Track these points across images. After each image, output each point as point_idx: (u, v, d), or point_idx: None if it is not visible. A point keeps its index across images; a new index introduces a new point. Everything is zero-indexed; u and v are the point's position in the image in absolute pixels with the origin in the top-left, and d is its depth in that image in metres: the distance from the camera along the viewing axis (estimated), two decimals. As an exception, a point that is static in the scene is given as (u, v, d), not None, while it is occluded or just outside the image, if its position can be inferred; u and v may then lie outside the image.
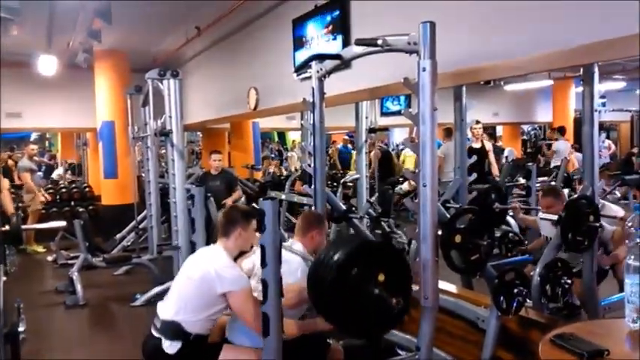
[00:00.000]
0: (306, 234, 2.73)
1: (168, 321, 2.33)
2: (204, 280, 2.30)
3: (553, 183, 5.75)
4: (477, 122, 6.47)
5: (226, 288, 2.26)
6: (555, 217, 2.86)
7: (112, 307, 5.02)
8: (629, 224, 1.44)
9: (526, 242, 4.62)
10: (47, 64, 6.79)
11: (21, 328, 3.62)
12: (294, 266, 2.53)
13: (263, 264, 1.98)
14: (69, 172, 12.70)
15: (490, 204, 4.50)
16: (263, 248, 1.98)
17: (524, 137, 13.22)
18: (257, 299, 2.20)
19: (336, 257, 1.98)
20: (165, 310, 2.38)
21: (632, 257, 1.41)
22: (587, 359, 1.29)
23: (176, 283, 2.47)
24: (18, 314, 3.73)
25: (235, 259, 2.57)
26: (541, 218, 3.55)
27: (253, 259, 2.59)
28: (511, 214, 4.51)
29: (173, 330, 2.30)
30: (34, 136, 17.23)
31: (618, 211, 3.37)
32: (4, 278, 3.93)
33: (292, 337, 2.29)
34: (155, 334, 2.35)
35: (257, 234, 2.47)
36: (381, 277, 2.01)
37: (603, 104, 3.21)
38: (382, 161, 7.40)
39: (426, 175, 2.32)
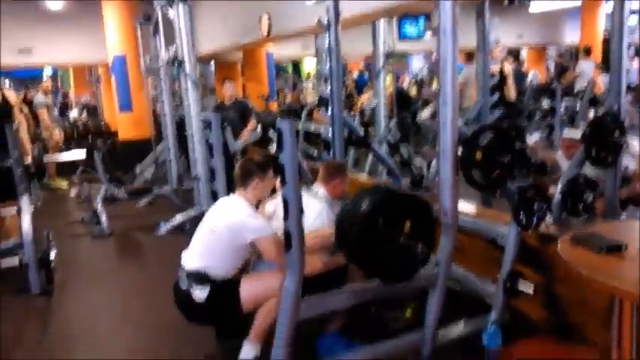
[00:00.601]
0: (329, 182, 2.78)
1: (194, 271, 2.40)
2: (231, 230, 2.37)
3: (578, 104, 5.54)
4: (497, 43, 6.22)
5: (254, 236, 2.34)
6: (579, 134, 2.80)
7: (136, 236, 5.17)
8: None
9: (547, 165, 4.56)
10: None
11: (52, 255, 3.79)
12: (318, 210, 2.62)
13: (283, 182, 1.98)
14: (84, 113, 12.73)
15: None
16: (282, 167, 1.98)
17: (550, 62, 12.68)
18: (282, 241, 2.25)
19: (363, 207, 2.01)
20: (190, 261, 2.45)
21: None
22: (605, 253, 1.32)
23: (199, 234, 2.53)
24: (48, 242, 3.89)
25: (257, 207, 2.64)
26: (564, 139, 3.49)
27: (275, 202, 2.63)
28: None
29: (199, 278, 2.37)
30: (45, 75, 17.20)
31: None
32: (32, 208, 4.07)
33: (313, 273, 2.35)
34: (182, 286, 2.43)
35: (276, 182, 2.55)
36: (407, 227, 2.04)
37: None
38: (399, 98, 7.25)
39: (447, 93, 2.27)
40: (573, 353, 2.46)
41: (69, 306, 3.49)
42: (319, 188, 2.77)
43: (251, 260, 2.61)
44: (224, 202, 2.61)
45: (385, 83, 5.35)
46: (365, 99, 7.29)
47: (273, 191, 2.71)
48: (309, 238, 2.26)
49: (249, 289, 2.36)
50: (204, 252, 2.45)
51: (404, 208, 2.11)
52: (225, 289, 2.39)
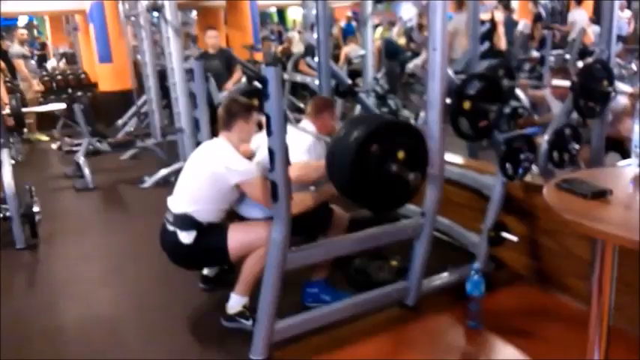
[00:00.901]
0: (317, 117, 2.73)
1: (181, 214, 2.36)
2: (215, 174, 2.33)
3: (568, 56, 5.49)
4: None
5: (238, 178, 2.31)
6: (567, 83, 2.77)
7: (121, 189, 5.12)
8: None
9: (536, 117, 4.55)
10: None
11: (35, 209, 3.75)
12: (307, 144, 2.57)
13: (269, 132, 1.94)
14: (63, 61, 12.32)
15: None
16: (268, 117, 1.93)
17: (541, 10, 12.45)
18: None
19: (355, 135, 1.97)
20: (177, 204, 2.41)
21: (643, 101, 1.37)
22: (590, 198, 1.33)
23: (184, 177, 2.49)
24: (31, 196, 3.83)
25: None
26: (552, 85, 3.46)
27: (257, 139, 2.56)
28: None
29: (186, 221, 2.35)
30: (21, 23, 16.51)
31: (627, 88, 3.31)
32: (12, 161, 3.99)
33: (305, 210, 2.34)
34: (169, 227, 2.40)
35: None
36: (401, 155, 2.01)
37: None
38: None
39: (436, 39, 2.22)
40: (554, 300, 2.54)
41: (54, 259, 3.48)
42: (308, 123, 2.72)
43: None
44: (207, 145, 2.55)
45: (374, 34, 5.22)
46: (348, 51, 7.12)
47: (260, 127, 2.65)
48: (298, 167, 2.26)
49: (236, 237, 2.36)
50: (189, 197, 2.41)
51: (397, 136, 2.06)
52: (211, 233, 2.38)
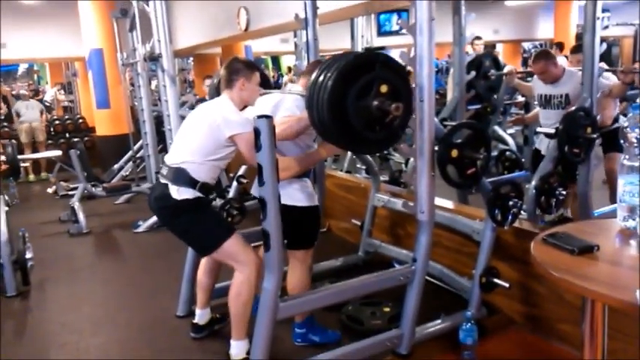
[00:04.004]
0: (306, 76, 2.63)
1: (175, 167, 2.36)
2: (211, 125, 2.34)
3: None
4: (478, 38, 6.28)
5: (234, 131, 2.31)
6: (552, 130, 2.85)
7: (115, 234, 5.11)
8: (625, 124, 1.43)
9: (523, 160, 4.64)
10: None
11: (28, 255, 3.73)
12: (289, 102, 2.49)
13: (260, 182, 1.98)
14: (61, 91, 12.50)
15: (487, 122, 4.48)
16: (260, 167, 1.97)
17: (525, 55, 12.90)
18: None
19: (329, 74, 1.91)
20: (172, 157, 2.42)
21: (627, 157, 1.41)
22: (577, 254, 1.34)
23: (181, 132, 2.51)
24: (24, 242, 3.82)
25: None
26: (536, 132, 3.56)
27: (252, 111, 2.55)
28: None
29: (179, 176, 2.33)
30: (21, 69, 16.80)
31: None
32: (7, 208, 4.00)
33: (294, 175, 2.38)
34: (162, 180, 2.39)
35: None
36: (384, 89, 1.95)
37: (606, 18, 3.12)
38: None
39: (424, 90, 2.28)
40: (547, 347, 2.53)
41: (45, 307, 3.43)
42: (294, 85, 2.68)
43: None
44: (207, 102, 2.58)
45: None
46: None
47: None
48: (279, 123, 2.20)
49: (234, 245, 2.37)
50: (186, 148, 2.41)
51: (375, 69, 1.98)
52: (218, 218, 2.41)
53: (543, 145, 3.51)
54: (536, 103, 3.70)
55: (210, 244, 2.42)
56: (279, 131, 2.11)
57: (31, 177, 7.79)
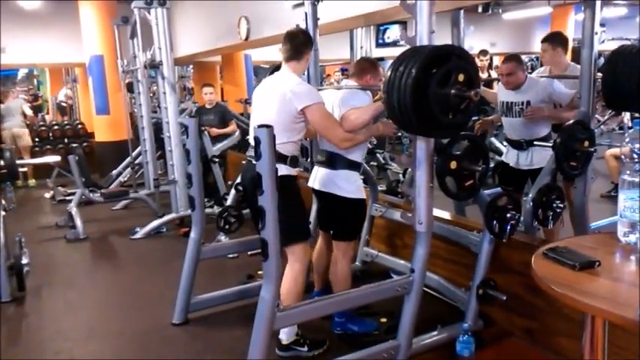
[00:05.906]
0: (361, 77, 2.80)
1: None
2: (282, 101, 2.40)
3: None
4: (484, 53, 6.33)
5: (304, 103, 2.37)
6: (550, 144, 2.86)
7: (112, 240, 5.10)
8: (626, 140, 1.44)
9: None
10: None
11: (24, 261, 3.71)
12: (351, 97, 2.64)
13: (260, 191, 1.98)
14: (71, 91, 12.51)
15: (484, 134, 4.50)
16: (259, 176, 1.98)
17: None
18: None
19: (412, 69, 1.97)
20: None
21: (627, 173, 1.42)
22: (578, 270, 1.34)
23: (256, 113, 2.58)
24: (20, 248, 3.80)
25: None
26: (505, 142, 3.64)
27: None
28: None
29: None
30: (21, 74, 16.77)
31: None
32: (4, 213, 3.98)
33: (357, 144, 2.54)
34: (253, 161, 2.39)
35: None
36: (461, 78, 2.01)
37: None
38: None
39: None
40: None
41: (40, 313, 3.41)
42: (349, 81, 2.83)
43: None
44: (271, 77, 2.66)
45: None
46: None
47: None
48: (348, 115, 2.41)
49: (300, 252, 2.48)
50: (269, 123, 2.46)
51: (451, 60, 2.03)
52: (302, 224, 2.52)
53: (510, 157, 3.50)
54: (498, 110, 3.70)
55: (286, 221, 2.40)
56: (353, 119, 2.44)
57: (32, 182, 7.76)
